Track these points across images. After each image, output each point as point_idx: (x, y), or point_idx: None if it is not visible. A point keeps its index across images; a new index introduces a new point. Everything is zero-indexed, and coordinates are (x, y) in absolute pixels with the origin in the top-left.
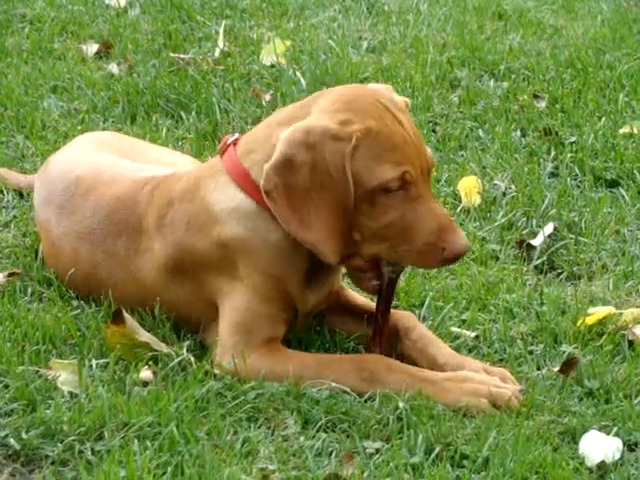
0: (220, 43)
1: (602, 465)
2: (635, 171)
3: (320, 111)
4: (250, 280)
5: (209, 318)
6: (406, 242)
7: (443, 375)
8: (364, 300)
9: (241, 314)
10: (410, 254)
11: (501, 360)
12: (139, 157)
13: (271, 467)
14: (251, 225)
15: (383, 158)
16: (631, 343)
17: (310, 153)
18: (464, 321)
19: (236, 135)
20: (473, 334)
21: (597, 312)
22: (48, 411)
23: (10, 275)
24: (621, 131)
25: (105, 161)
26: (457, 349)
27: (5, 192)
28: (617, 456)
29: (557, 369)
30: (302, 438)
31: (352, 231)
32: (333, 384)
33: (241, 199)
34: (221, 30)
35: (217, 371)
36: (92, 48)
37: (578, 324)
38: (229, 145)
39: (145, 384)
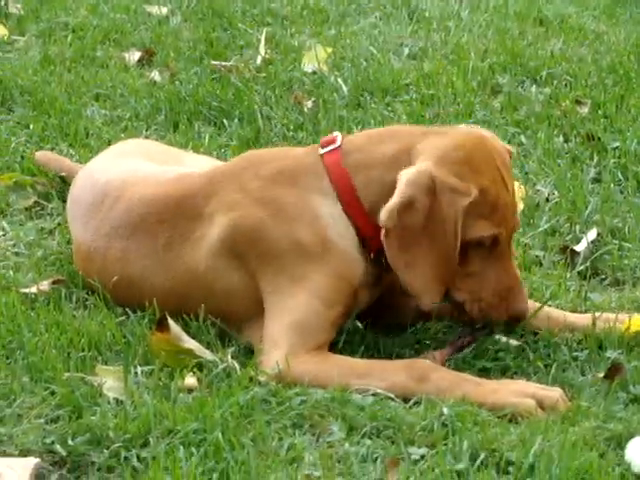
0: (261, 50)
1: None
2: None
3: (437, 155)
4: (323, 282)
5: (254, 316)
6: (482, 293)
7: (489, 380)
8: None
9: (304, 315)
10: (484, 306)
11: (546, 366)
12: (171, 162)
13: (316, 473)
14: (341, 230)
15: (485, 216)
16: None
17: (430, 199)
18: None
19: (338, 135)
20: (516, 343)
21: None
22: (94, 417)
23: (55, 282)
24: None
25: (128, 167)
26: (502, 356)
27: (49, 199)
28: None
29: (602, 375)
30: (347, 444)
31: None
32: (381, 384)
33: (337, 205)
34: (262, 37)
35: (262, 378)
36: (134, 56)
37: (623, 330)
38: (335, 148)
39: (190, 391)
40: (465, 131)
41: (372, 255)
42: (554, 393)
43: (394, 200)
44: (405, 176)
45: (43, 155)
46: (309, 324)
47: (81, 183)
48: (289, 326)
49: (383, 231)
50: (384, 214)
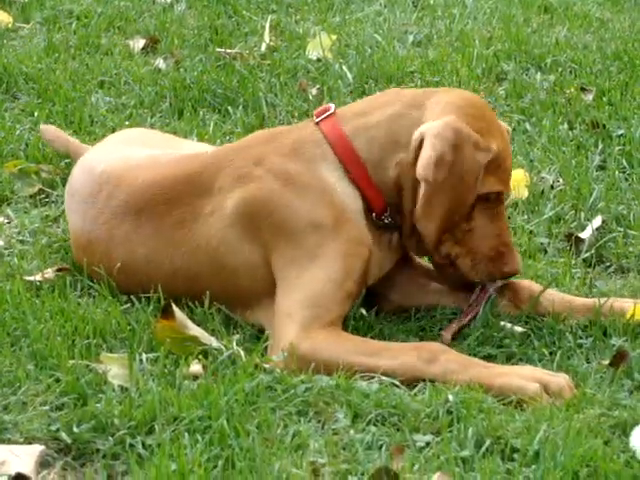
0: (266, 37)
1: None
2: None
3: (456, 111)
4: (338, 252)
5: (264, 295)
6: (481, 248)
7: (497, 365)
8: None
9: (318, 288)
10: (480, 263)
11: (551, 353)
12: (169, 149)
13: (321, 460)
14: (349, 198)
15: (494, 173)
16: None
17: (454, 154)
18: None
19: (331, 105)
20: (521, 330)
21: None
22: (99, 405)
23: (59, 270)
24: None
25: (124, 154)
26: (507, 342)
27: (54, 186)
28: None
29: (607, 362)
30: (352, 431)
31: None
32: (391, 363)
33: (341, 170)
34: (267, 25)
35: (269, 364)
36: (139, 43)
37: (627, 317)
38: (328, 115)
39: (195, 378)
40: (462, 90)
41: (374, 215)
42: (560, 379)
43: (429, 153)
44: (432, 130)
45: (47, 131)
46: (323, 297)
47: (78, 175)
48: (303, 300)
49: (423, 185)
50: (423, 168)
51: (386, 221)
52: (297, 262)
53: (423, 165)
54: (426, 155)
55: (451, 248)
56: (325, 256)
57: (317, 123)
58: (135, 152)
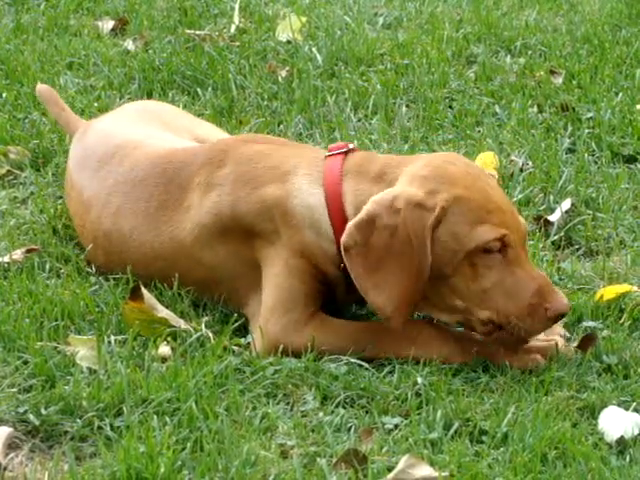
0: (236, 19)
1: (621, 440)
2: None
3: (410, 175)
4: (293, 266)
5: (249, 286)
6: (510, 306)
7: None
8: None
9: (284, 293)
10: (519, 318)
11: None
12: (183, 128)
13: (290, 443)
14: (316, 229)
15: (480, 221)
16: None
17: (393, 218)
18: None
19: (352, 146)
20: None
21: (615, 288)
22: (67, 387)
23: (28, 251)
24: (638, 107)
25: (142, 132)
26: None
27: (22, 168)
28: (636, 432)
29: (575, 345)
30: (321, 414)
31: (451, 299)
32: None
33: (323, 209)
34: (237, 6)
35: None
36: (108, 25)
37: (596, 299)
38: (340, 153)
39: (164, 360)
40: (443, 153)
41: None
42: (534, 357)
43: (355, 219)
44: (373, 197)
45: (47, 90)
46: (290, 299)
47: (93, 140)
48: (275, 306)
49: (342, 249)
50: (344, 232)
51: None
52: (266, 264)
53: (345, 232)
54: (352, 220)
55: (479, 313)
56: (282, 265)
57: (326, 157)
58: (153, 132)
